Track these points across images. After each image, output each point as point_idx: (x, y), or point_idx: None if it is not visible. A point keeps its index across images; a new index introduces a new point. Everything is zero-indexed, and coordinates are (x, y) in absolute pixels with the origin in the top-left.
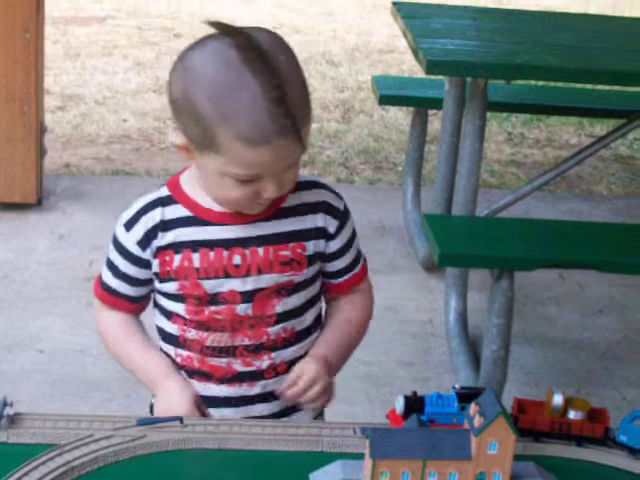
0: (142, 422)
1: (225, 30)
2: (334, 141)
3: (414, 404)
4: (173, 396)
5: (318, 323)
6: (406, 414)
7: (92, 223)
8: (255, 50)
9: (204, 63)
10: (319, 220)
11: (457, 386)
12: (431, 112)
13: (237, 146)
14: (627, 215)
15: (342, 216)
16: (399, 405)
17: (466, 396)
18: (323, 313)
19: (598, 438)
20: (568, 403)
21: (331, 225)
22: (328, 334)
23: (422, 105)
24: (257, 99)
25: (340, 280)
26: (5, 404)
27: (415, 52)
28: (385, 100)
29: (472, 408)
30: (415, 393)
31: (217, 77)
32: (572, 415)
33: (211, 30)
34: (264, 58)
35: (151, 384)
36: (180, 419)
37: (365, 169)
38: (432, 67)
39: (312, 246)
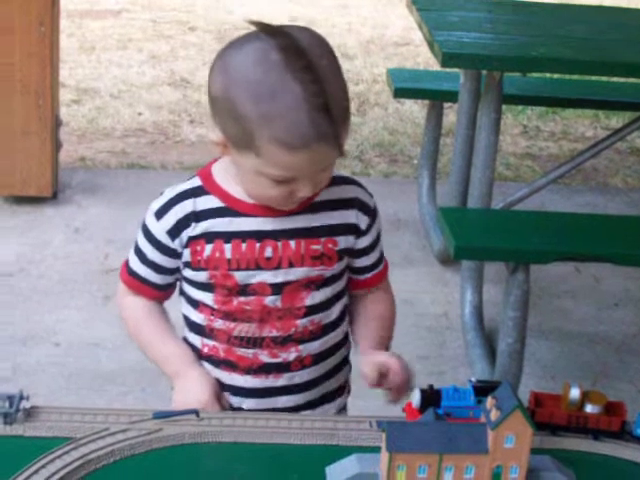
0: (158, 415)
1: (266, 29)
2: (349, 134)
3: (430, 397)
4: (191, 389)
5: (343, 317)
6: (422, 408)
7: (107, 216)
8: (298, 52)
9: (246, 63)
10: (352, 216)
11: (474, 379)
12: (446, 105)
13: (275, 149)
14: None
15: (372, 213)
16: (415, 398)
17: (483, 389)
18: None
19: (615, 432)
20: (585, 397)
21: (363, 222)
22: (368, 331)
23: (437, 98)
24: (299, 104)
25: (365, 276)
26: (21, 397)
27: (431, 45)
28: (400, 93)
29: (489, 402)
30: (431, 386)
31: (259, 78)
32: (589, 409)
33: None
34: (307, 61)
35: (173, 374)
36: (196, 412)
37: (380, 162)
38: (448, 60)
39: (343, 241)
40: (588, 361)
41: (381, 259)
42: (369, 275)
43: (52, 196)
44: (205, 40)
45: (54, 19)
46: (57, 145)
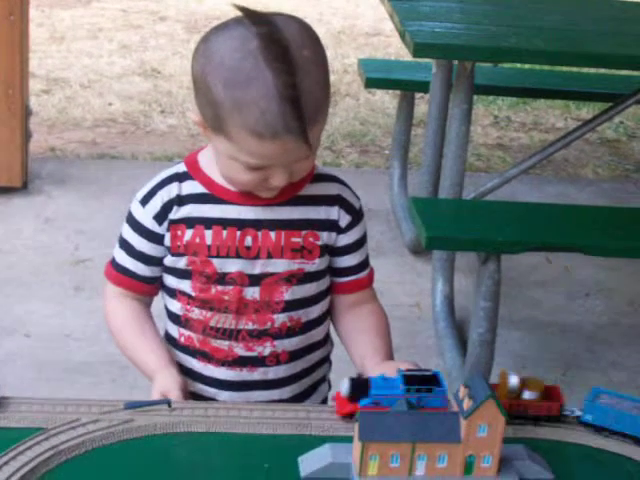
0: (130, 406)
1: (251, 16)
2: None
3: (359, 386)
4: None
5: (325, 317)
6: (351, 396)
7: (78, 207)
8: (277, 43)
9: (225, 48)
10: (333, 212)
11: (403, 368)
12: (417, 95)
13: (244, 136)
14: (613, 198)
15: (356, 214)
16: (344, 387)
17: (412, 378)
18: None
19: (555, 416)
20: (523, 384)
21: (343, 219)
22: (374, 346)
23: (409, 88)
24: (269, 94)
25: (346, 279)
26: None
27: (402, 35)
28: (371, 83)
29: (461, 391)
30: (360, 375)
31: (235, 65)
32: (527, 395)
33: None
34: (285, 52)
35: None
36: (168, 403)
37: (351, 152)
38: (419, 50)
39: (325, 237)
40: (559, 351)
41: (365, 264)
42: (352, 278)
43: (22, 186)
44: (175, 30)
45: (23, 8)
46: (27, 135)
